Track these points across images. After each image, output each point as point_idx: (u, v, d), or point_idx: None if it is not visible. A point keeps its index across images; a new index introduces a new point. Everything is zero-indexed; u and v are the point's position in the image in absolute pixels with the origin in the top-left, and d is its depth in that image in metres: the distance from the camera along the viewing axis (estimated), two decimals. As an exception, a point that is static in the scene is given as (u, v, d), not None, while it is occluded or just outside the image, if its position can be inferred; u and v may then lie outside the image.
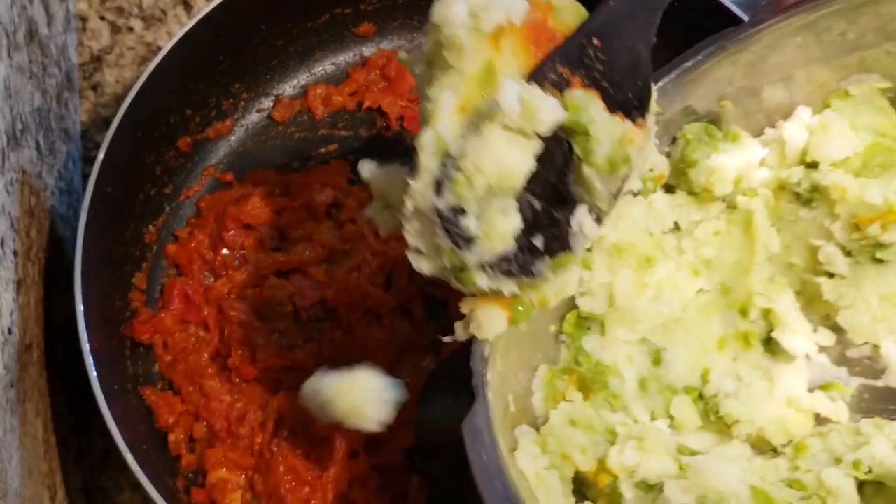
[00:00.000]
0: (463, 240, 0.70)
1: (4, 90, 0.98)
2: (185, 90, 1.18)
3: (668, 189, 0.94)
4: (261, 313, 1.14)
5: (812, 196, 0.90)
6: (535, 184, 0.72)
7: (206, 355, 1.13)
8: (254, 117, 1.27)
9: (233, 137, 1.26)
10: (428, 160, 0.70)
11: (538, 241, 0.73)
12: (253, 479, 1.08)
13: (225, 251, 1.18)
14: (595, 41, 0.72)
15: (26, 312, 0.99)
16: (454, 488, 1.11)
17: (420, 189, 0.70)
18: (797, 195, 0.91)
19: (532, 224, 0.72)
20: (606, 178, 0.74)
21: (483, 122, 0.69)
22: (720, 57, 0.89)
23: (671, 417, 0.88)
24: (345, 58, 1.30)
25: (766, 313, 0.92)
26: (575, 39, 0.73)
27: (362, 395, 1.04)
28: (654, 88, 0.78)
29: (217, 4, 1.13)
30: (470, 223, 0.69)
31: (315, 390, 1.04)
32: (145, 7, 1.35)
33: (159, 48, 1.27)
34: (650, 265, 0.89)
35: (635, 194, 0.88)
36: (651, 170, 0.90)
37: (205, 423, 1.10)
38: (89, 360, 1.00)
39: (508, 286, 0.73)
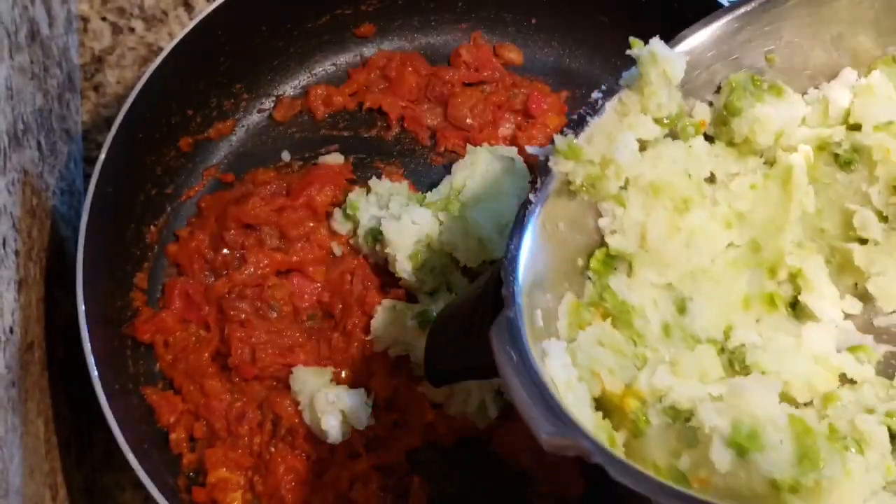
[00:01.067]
0: None
1: (6, 91, 0.98)
2: (186, 91, 1.19)
3: (708, 139, 0.93)
4: (260, 313, 1.14)
5: (852, 157, 0.89)
6: None
7: (206, 355, 1.13)
8: (255, 118, 1.27)
9: (234, 138, 1.26)
10: None
11: None
12: (253, 479, 1.08)
13: (225, 251, 1.18)
14: None
15: (28, 312, 0.99)
16: (455, 488, 1.12)
17: None
18: (836, 157, 0.90)
19: None
20: None
21: None
22: (775, 6, 0.87)
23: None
24: (345, 58, 1.30)
25: (795, 276, 0.90)
26: None
27: (323, 408, 1.05)
28: (705, 34, 0.80)
29: (218, 5, 1.13)
30: None
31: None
32: (146, 8, 1.36)
33: (160, 49, 1.27)
34: (686, 208, 0.88)
35: (675, 137, 0.88)
36: (691, 115, 0.90)
37: (205, 423, 1.11)
38: (91, 360, 1.00)
39: None
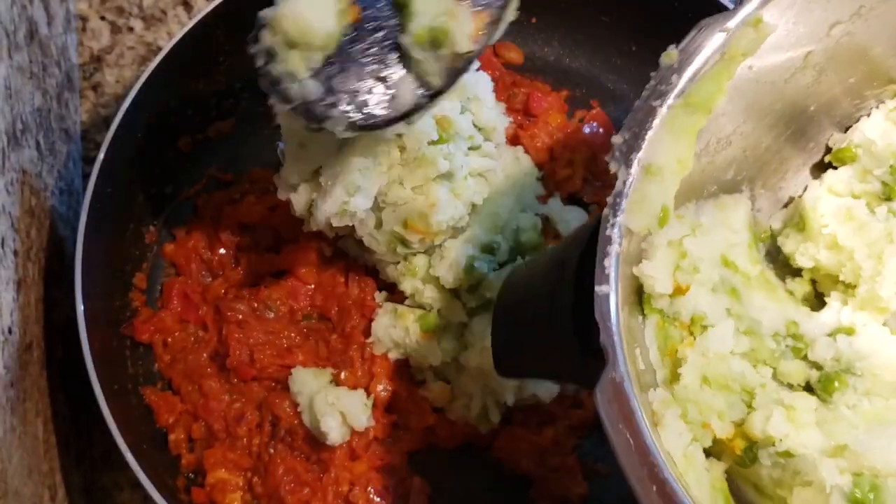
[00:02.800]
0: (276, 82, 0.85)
1: (5, 90, 0.98)
2: (186, 90, 1.18)
3: None
4: (257, 314, 1.14)
5: None
6: (360, 43, 0.83)
7: (204, 355, 1.13)
8: (254, 117, 1.26)
9: (233, 137, 1.25)
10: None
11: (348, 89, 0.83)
12: (252, 480, 1.08)
13: (222, 251, 1.18)
14: None
15: (26, 312, 0.99)
16: (456, 491, 1.12)
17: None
18: None
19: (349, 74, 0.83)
20: (429, 52, 0.82)
21: None
22: None
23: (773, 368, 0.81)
24: (345, 58, 1.30)
25: None
26: None
27: (322, 408, 1.05)
28: None
29: (217, 4, 1.13)
30: (275, 67, 0.84)
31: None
32: (145, 7, 1.35)
33: (159, 48, 1.27)
34: None
35: None
36: None
37: (203, 423, 1.10)
38: (89, 360, 1.00)
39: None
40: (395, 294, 1.14)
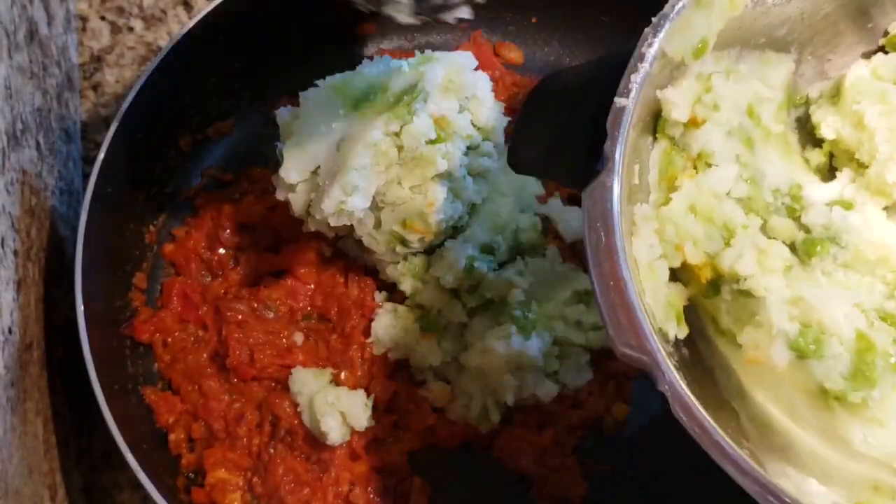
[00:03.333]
0: None
1: (5, 90, 0.98)
2: (186, 90, 1.18)
3: None
4: (257, 313, 1.14)
5: None
6: None
7: (204, 355, 1.13)
8: (254, 117, 1.27)
9: (233, 137, 1.26)
10: None
11: None
12: (252, 481, 1.08)
13: (221, 250, 1.18)
14: None
15: (26, 312, 0.99)
16: (456, 491, 1.12)
17: None
18: None
19: None
20: None
21: None
22: None
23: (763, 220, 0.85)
24: (345, 58, 1.30)
25: None
26: None
27: (322, 410, 1.05)
28: None
29: (217, 4, 1.13)
30: None
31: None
32: (145, 7, 1.36)
33: (160, 48, 1.27)
34: None
35: None
36: None
37: (203, 423, 1.10)
38: (89, 360, 1.00)
39: None
40: (395, 294, 1.14)
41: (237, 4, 1.15)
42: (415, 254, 1.10)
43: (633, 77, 0.72)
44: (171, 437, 1.11)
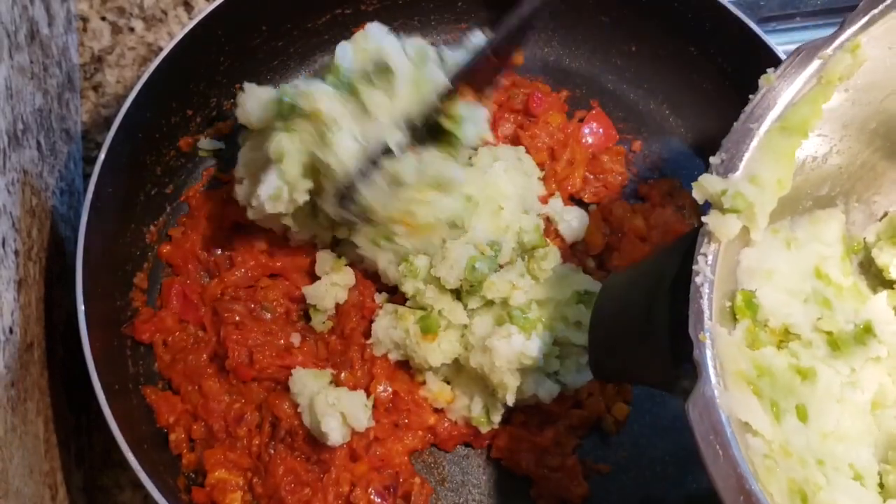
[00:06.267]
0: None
1: (6, 90, 0.98)
2: (186, 90, 1.18)
3: None
4: (254, 314, 1.14)
5: None
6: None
7: (204, 355, 1.13)
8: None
9: (233, 137, 1.25)
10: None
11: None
12: (252, 481, 1.08)
13: (219, 251, 1.17)
14: None
15: (27, 312, 0.99)
16: (456, 491, 1.12)
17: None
18: None
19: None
20: None
21: None
22: None
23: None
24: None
25: None
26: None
27: (323, 410, 1.05)
28: None
29: (218, 5, 1.13)
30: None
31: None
32: (146, 7, 1.36)
33: (160, 48, 1.27)
34: None
35: None
36: None
37: (203, 424, 1.10)
38: (90, 360, 1.00)
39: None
40: (395, 296, 1.14)
41: (237, 5, 1.15)
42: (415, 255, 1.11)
43: (699, 280, 0.73)
44: (172, 436, 1.11)
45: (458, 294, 1.11)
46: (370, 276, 1.16)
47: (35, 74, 1.09)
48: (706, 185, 0.74)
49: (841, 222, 0.86)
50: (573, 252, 1.19)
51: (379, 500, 1.08)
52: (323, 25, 1.26)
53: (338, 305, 1.14)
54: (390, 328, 1.10)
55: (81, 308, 1.01)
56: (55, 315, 1.08)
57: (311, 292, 1.14)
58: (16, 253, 0.97)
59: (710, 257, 0.73)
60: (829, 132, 0.81)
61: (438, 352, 1.09)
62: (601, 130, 1.26)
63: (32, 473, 0.96)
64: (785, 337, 0.81)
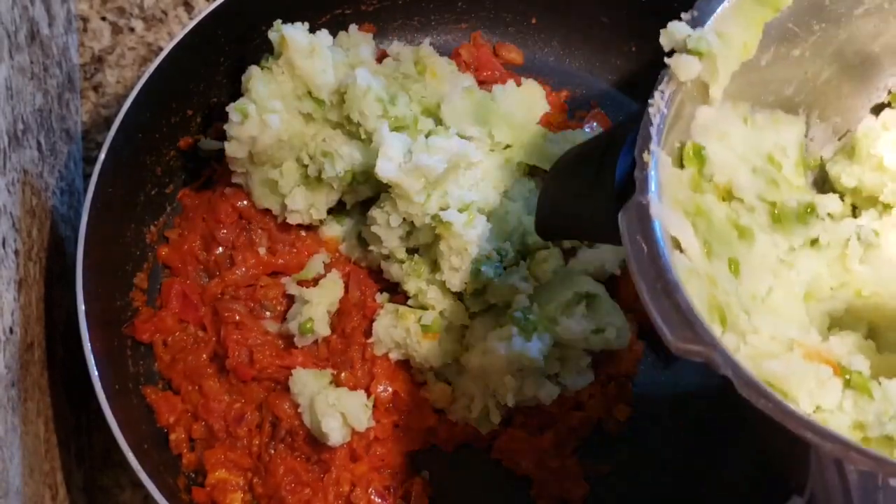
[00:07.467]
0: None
1: (6, 90, 0.98)
2: (186, 91, 1.18)
3: None
4: (254, 313, 1.14)
5: None
6: None
7: (204, 355, 1.13)
8: (255, 117, 1.26)
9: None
10: None
11: None
12: (252, 481, 1.08)
13: (219, 250, 1.17)
14: None
15: (27, 312, 0.99)
16: (457, 491, 1.12)
17: None
18: None
19: None
20: None
21: None
22: None
23: None
24: (345, 58, 1.30)
25: None
26: None
27: (324, 410, 1.05)
28: None
29: (218, 5, 1.13)
30: None
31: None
32: (146, 7, 1.36)
33: (160, 49, 1.27)
34: None
35: None
36: None
37: (203, 424, 1.10)
38: (90, 360, 1.00)
39: None
40: (396, 295, 1.14)
41: (237, 5, 1.15)
42: (419, 252, 1.11)
43: (652, 111, 0.75)
44: (172, 436, 1.11)
45: (460, 294, 1.11)
46: (372, 274, 1.16)
47: (35, 74, 1.09)
48: (673, 31, 0.77)
49: (801, 131, 0.88)
50: (575, 254, 1.18)
51: (379, 500, 1.08)
52: (323, 25, 1.26)
53: (339, 306, 1.14)
54: (391, 328, 1.10)
55: (81, 308, 1.01)
56: (55, 315, 1.08)
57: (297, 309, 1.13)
58: (16, 253, 0.97)
59: (666, 94, 0.75)
60: (799, 30, 0.82)
61: (439, 351, 1.09)
62: (601, 130, 1.26)
63: (33, 473, 0.96)
64: (728, 196, 0.82)
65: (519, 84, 1.23)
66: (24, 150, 1.03)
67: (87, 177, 1.23)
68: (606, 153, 0.81)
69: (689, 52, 0.76)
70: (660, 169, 0.73)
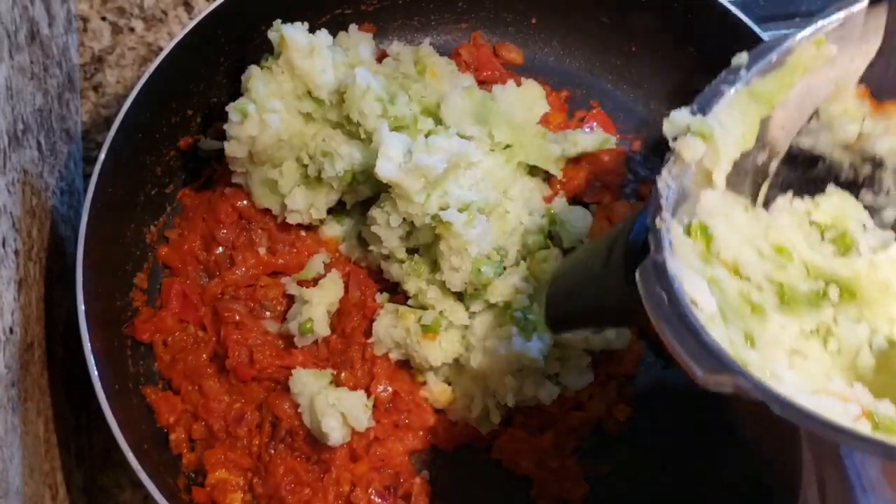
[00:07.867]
0: None
1: (6, 90, 0.98)
2: (186, 91, 1.18)
3: None
4: (254, 313, 1.14)
5: None
6: None
7: (204, 355, 1.13)
8: (254, 117, 1.26)
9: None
10: None
11: None
12: (252, 481, 1.08)
13: (219, 250, 1.17)
14: None
15: (27, 312, 0.99)
16: (457, 491, 1.12)
17: None
18: None
19: None
20: None
21: None
22: None
23: None
24: (345, 58, 1.30)
25: None
26: None
27: (323, 409, 1.05)
28: None
29: (218, 5, 1.13)
30: None
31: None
32: (146, 7, 1.36)
33: (160, 49, 1.27)
34: None
35: None
36: None
37: (203, 424, 1.10)
38: (90, 360, 1.00)
39: None
40: (396, 295, 1.14)
41: (237, 5, 1.15)
42: (419, 252, 1.11)
43: (661, 186, 0.76)
44: (172, 436, 1.11)
45: (460, 294, 1.11)
46: (372, 274, 1.16)
47: (35, 74, 1.09)
48: (676, 119, 0.79)
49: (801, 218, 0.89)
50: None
51: (379, 500, 1.08)
52: (323, 25, 1.26)
53: (339, 306, 1.14)
54: (391, 327, 1.10)
55: (81, 308, 1.01)
56: (55, 315, 1.08)
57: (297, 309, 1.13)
58: (16, 253, 0.97)
59: (674, 171, 0.77)
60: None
61: (439, 351, 1.09)
62: (601, 130, 1.26)
63: (33, 473, 0.96)
64: (736, 273, 0.83)
65: (519, 84, 1.23)
66: (24, 150, 1.03)
67: (87, 177, 1.23)
68: (613, 246, 0.84)
69: (692, 133, 0.78)
70: (672, 236, 0.75)
